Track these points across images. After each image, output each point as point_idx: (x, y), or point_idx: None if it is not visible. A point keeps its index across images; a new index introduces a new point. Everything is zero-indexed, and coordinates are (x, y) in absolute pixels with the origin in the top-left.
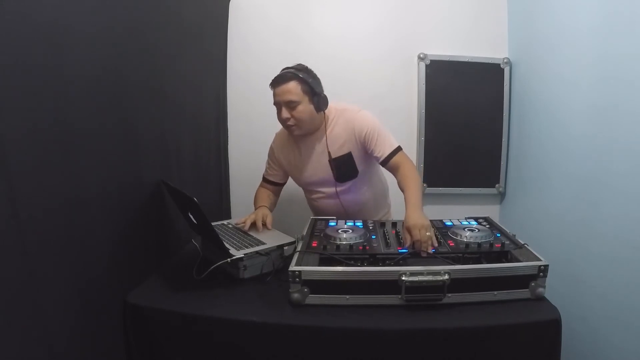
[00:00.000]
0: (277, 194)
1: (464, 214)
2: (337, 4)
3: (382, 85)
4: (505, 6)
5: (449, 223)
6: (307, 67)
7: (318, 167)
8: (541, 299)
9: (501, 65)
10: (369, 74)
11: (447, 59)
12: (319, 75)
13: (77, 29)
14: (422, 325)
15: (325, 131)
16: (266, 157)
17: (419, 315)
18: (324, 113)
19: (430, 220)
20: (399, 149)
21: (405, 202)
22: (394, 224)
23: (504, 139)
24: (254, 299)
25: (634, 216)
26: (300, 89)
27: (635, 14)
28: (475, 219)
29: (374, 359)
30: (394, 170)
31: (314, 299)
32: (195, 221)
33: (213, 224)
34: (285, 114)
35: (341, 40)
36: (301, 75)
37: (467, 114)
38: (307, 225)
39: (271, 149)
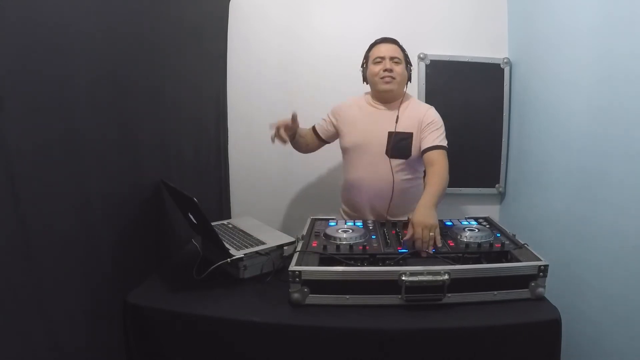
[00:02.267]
0: (312, 140)
1: (464, 214)
2: (337, 4)
3: None
4: (505, 6)
5: (449, 223)
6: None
7: (377, 133)
8: (541, 299)
9: (501, 65)
10: None
11: (447, 59)
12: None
13: (77, 30)
14: (422, 325)
15: (400, 105)
16: (266, 157)
17: (419, 315)
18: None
19: None
20: (445, 147)
21: (422, 196)
22: (394, 224)
23: (504, 139)
24: (254, 299)
25: (634, 216)
26: (402, 54)
27: (635, 14)
28: (475, 219)
29: (374, 359)
30: (428, 164)
31: (314, 299)
32: (195, 221)
33: (213, 224)
34: (390, 64)
35: (341, 40)
36: (402, 47)
37: (467, 114)
38: (307, 225)
39: (338, 106)
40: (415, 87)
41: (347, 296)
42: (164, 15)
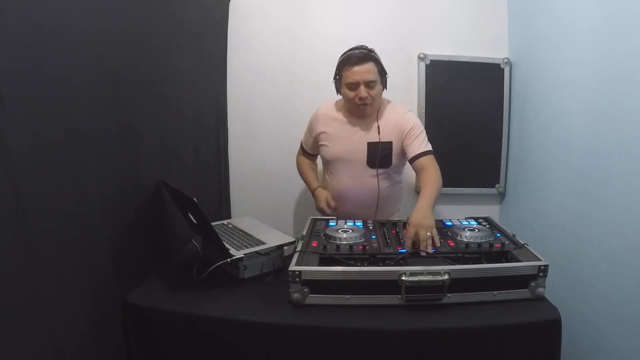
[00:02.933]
0: (315, 163)
1: (464, 214)
2: (337, 4)
3: None
4: (505, 6)
5: (449, 223)
6: (369, 47)
7: (357, 145)
8: (541, 299)
9: (501, 65)
10: None
11: (447, 59)
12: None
13: (78, 30)
14: (422, 325)
15: (377, 115)
16: (266, 157)
17: (419, 315)
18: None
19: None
20: (431, 152)
21: (418, 199)
22: (394, 224)
23: (504, 139)
24: (254, 299)
25: (634, 216)
26: (377, 69)
27: (635, 14)
28: (475, 219)
29: (374, 359)
30: (419, 170)
31: (314, 299)
32: (195, 221)
33: (213, 224)
34: (364, 92)
35: (341, 40)
36: (376, 56)
37: (467, 114)
38: (307, 225)
39: (313, 118)
40: (415, 87)
41: (347, 296)
42: (164, 15)
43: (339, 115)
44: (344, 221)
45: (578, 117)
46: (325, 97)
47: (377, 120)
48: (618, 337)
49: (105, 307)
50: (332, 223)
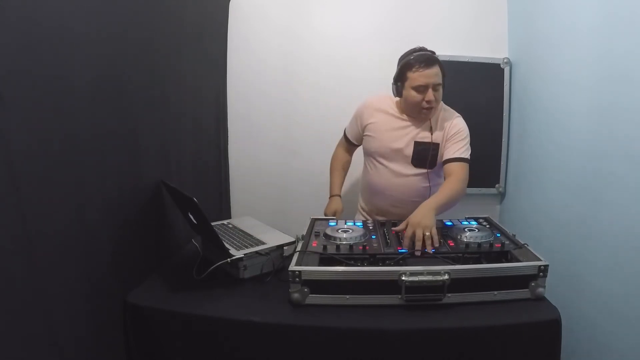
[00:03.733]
0: (351, 154)
1: (464, 214)
2: (337, 4)
3: (382, 86)
4: (505, 6)
5: (449, 223)
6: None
7: (403, 142)
8: (541, 299)
9: (501, 65)
10: (368, 74)
11: (447, 59)
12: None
13: (78, 31)
14: (422, 325)
15: (432, 116)
16: (266, 157)
17: (419, 315)
18: None
19: None
20: (467, 160)
21: (427, 199)
22: (394, 224)
23: (504, 139)
24: (254, 299)
25: (634, 216)
26: (442, 73)
27: (635, 14)
28: (475, 219)
29: (374, 359)
30: (447, 174)
31: (314, 299)
32: (195, 221)
33: (213, 224)
34: (432, 95)
35: (341, 40)
36: (439, 59)
37: (467, 114)
38: (307, 225)
39: (360, 108)
40: None
41: (347, 296)
42: (164, 16)
43: (391, 110)
44: (343, 221)
45: (578, 117)
46: (325, 97)
47: (431, 121)
48: (618, 337)
49: (105, 307)
50: (332, 223)
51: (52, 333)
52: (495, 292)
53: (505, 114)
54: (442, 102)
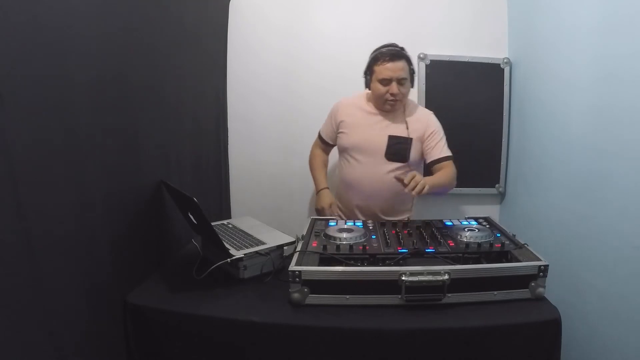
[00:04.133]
0: (328, 154)
1: (464, 214)
2: (337, 4)
3: None
4: (505, 6)
5: (449, 223)
6: (400, 45)
7: (376, 137)
8: (541, 299)
9: (501, 65)
10: None
11: (447, 59)
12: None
13: (78, 31)
14: (422, 325)
15: (404, 111)
16: (266, 157)
17: (419, 315)
18: None
19: (431, 220)
20: (451, 157)
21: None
22: (394, 224)
23: (504, 139)
24: (254, 299)
25: (634, 216)
26: (408, 68)
27: (635, 14)
28: (475, 219)
29: (373, 359)
30: (437, 170)
31: (314, 299)
32: (195, 221)
33: (213, 224)
34: (396, 88)
35: (341, 40)
36: (408, 55)
37: (467, 114)
38: (307, 225)
39: (334, 107)
40: (415, 87)
41: (347, 296)
42: (164, 16)
43: (364, 106)
44: (344, 221)
45: (578, 117)
46: (325, 97)
47: (405, 116)
48: (618, 337)
49: (105, 307)
50: (332, 223)
51: (52, 333)
52: (495, 292)
53: (505, 114)
54: (412, 99)
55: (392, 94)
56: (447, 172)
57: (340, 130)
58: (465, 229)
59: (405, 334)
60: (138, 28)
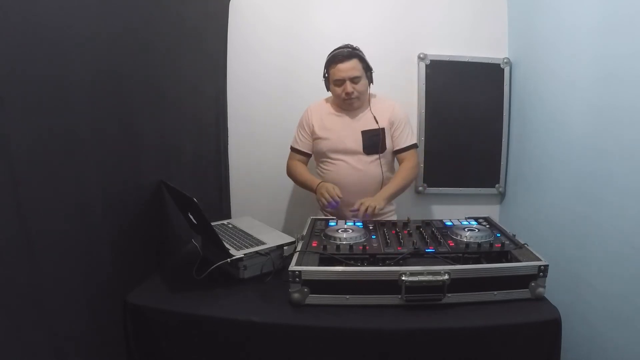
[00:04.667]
0: (303, 163)
1: (464, 214)
2: (337, 4)
3: (382, 85)
4: (505, 6)
5: (449, 223)
6: (354, 45)
7: (351, 135)
8: (541, 299)
9: (501, 65)
10: None
11: (447, 59)
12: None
13: (78, 31)
14: (422, 325)
15: (370, 104)
16: (266, 157)
17: (419, 315)
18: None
19: (431, 220)
20: (414, 145)
21: (382, 188)
22: (394, 224)
23: (504, 139)
24: (254, 299)
25: (634, 216)
26: (361, 66)
27: (635, 14)
28: (475, 219)
29: (373, 359)
30: (399, 161)
31: (314, 299)
32: (195, 221)
33: (213, 224)
34: (350, 87)
35: (341, 40)
36: (360, 54)
37: (467, 114)
38: (307, 225)
39: (304, 116)
40: (415, 87)
41: (347, 296)
42: (164, 15)
43: (331, 109)
44: (344, 221)
45: (578, 117)
46: (325, 97)
47: (372, 110)
48: (618, 337)
49: (105, 307)
50: (332, 223)
51: (52, 333)
52: (495, 292)
53: (505, 114)
54: (374, 94)
55: (346, 93)
56: (402, 173)
57: (315, 136)
58: (465, 229)
59: (405, 334)
60: (138, 28)
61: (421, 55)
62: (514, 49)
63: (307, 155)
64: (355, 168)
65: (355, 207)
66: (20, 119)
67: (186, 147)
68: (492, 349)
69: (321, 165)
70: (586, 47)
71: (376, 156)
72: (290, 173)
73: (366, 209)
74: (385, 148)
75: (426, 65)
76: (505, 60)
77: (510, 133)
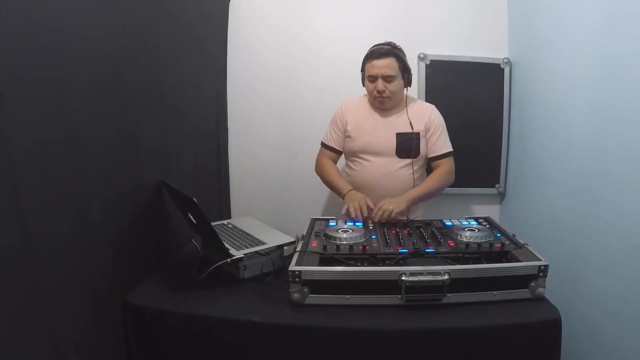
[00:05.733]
0: (336, 163)
1: (464, 214)
2: (337, 4)
3: None
4: (505, 6)
5: (449, 223)
6: (395, 44)
7: (384, 136)
8: (541, 299)
9: (501, 65)
10: None
11: (447, 59)
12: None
13: (78, 31)
14: (422, 325)
15: (406, 107)
16: (266, 157)
17: (419, 315)
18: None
19: (431, 221)
20: (450, 153)
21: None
22: (394, 224)
23: (504, 139)
24: (254, 299)
25: (634, 216)
26: (397, 65)
27: (635, 14)
28: (475, 219)
29: (373, 359)
30: (434, 167)
31: (314, 299)
32: (195, 221)
33: (213, 224)
34: (382, 85)
35: (341, 40)
36: (399, 53)
37: (467, 114)
38: (307, 225)
39: (338, 113)
40: (415, 87)
41: (347, 296)
42: (164, 16)
43: (366, 108)
44: (343, 221)
45: (578, 117)
46: (325, 97)
47: (408, 114)
48: (618, 337)
49: (105, 307)
50: (332, 223)
51: (52, 333)
52: (495, 292)
53: (505, 114)
54: (414, 97)
55: (378, 91)
56: (434, 178)
57: (347, 134)
58: (465, 229)
59: (405, 334)
60: (138, 28)
61: (421, 55)
62: (514, 49)
63: (338, 153)
64: (385, 170)
65: (374, 212)
66: (20, 119)
67: (186, 147)
68: (492, 349)
69: (350, 163)
70: (586, 47)
71: (408, 160)
72: (319, 171)
73: (382, 213)
74: (419, 153)
75: (426, 65)
76: (505, 60)
77: (510, 133)
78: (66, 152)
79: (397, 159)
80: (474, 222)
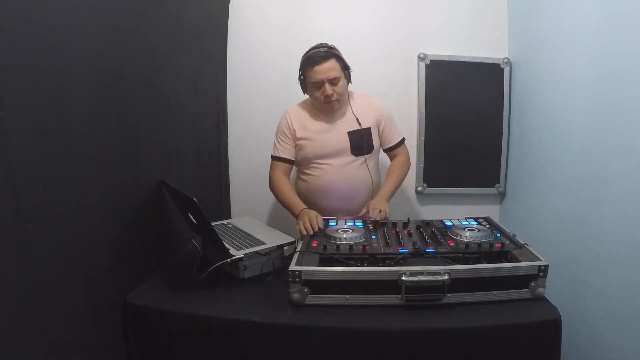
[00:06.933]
0: (289, 176)
1: (464, 214)
2: (337, 4)
3: (382, 85)
4: (505, 6)
5: (449, 223)
6: (329, 44)
7: (337, 137)
8: (541, 299)
9: (501, 65)
10: (369, 74)
11: (447, 59)
12: None
13: (78, 31)
14: (422, 325)
15: (350, 105)
16: (266, 157)
17: (419, 315)
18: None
19: (431, 221)
20: (403, 140)
21: (380, 190)
22: (394, 224)
23: (504, 139)
24: (254, 299)
25: (634, 215)
26: (339, 65)
27: (635, 14)
28: (475, 219)
29: (373, 359)
30: (391, 157)
31: (314, 299)
32: (195, 221)
33: (213, 224)
34: (329, 90)
35: (341, 40)
36: (336, 52)
37: (467, 114)
38: None
39: (283, 122)
40: (415, 87)
41: (347, 296)
42: (164, 16)
43: (311, 113)
44: (344, 221)
45: (578, 117)
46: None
47: (353, 111)
48: (617, 337)
49: (105, 307)
50: (332, 223)
51: (51, 333)
52: (495, 292)
53: (505, 114)
54: (351, 90)
55: (325, 97)
56: (397, 170)
57: (298, 142)
58: (465, 229)
59: (405, 334)
60: (138, 28)
61: (421, 55)
62: (514, 49)
63: (291, 163)
64: (342, 171)
65: (364, 212)
66: (20, 119)
67: (186, 147)
68: (492, 349)
69: (305, 170)
70: (586, 47)
71: (362, 158)
72: (273, 188)
73: (380, 213)
74: (372, 148)
75: (426, 65)
76: (505, 60)
77: (510, 133)
78: (65, 151)
79: (352, 158)
80: (474, 222)
